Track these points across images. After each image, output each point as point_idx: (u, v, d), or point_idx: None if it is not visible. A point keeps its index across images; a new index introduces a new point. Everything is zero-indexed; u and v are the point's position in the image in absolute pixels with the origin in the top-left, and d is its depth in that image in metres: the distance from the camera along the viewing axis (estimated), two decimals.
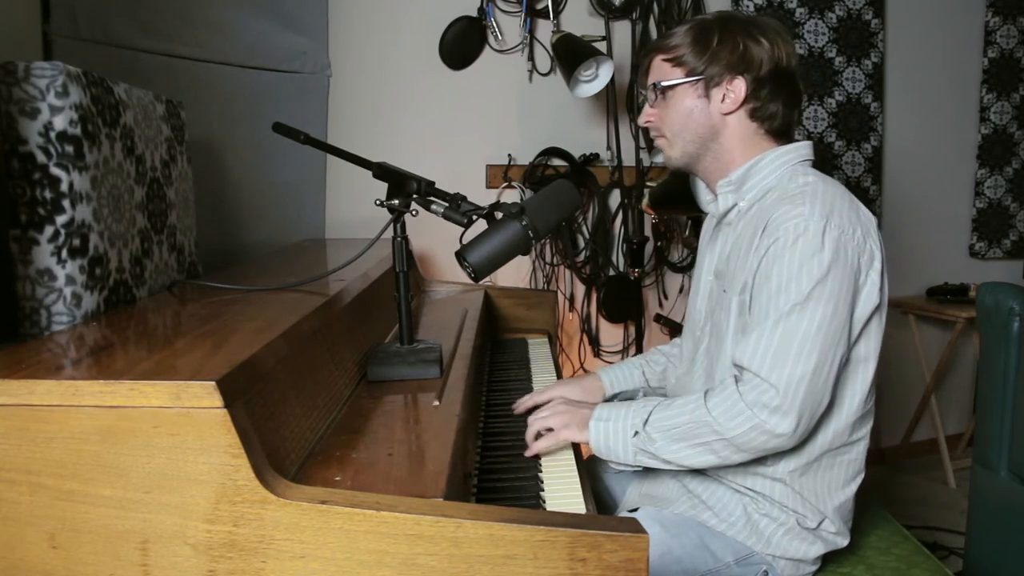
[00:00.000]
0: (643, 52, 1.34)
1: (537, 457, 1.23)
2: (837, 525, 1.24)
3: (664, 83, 1.28)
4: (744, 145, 1.28)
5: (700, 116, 1.27)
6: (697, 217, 2.55)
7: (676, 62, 1.27)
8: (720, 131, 1.27)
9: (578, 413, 1.24)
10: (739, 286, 1.22)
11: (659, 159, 2.52)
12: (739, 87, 1.24)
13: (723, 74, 1.24)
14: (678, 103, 1.28)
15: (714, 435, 1.13)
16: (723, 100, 1.25)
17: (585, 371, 2.63)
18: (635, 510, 1.28)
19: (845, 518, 1.26)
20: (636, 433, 1.18)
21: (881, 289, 1.18)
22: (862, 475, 1.26)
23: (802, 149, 1.27)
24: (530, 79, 2.48)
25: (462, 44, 2.39)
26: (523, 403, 1.41)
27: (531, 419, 1.26)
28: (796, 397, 1.10)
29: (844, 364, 1.17)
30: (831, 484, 1.22)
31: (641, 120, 1.35)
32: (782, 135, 1.29)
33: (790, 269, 1.12)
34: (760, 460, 1.18)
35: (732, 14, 1.31)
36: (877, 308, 1.18)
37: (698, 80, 1.25)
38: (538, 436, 1.24)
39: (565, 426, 1.23)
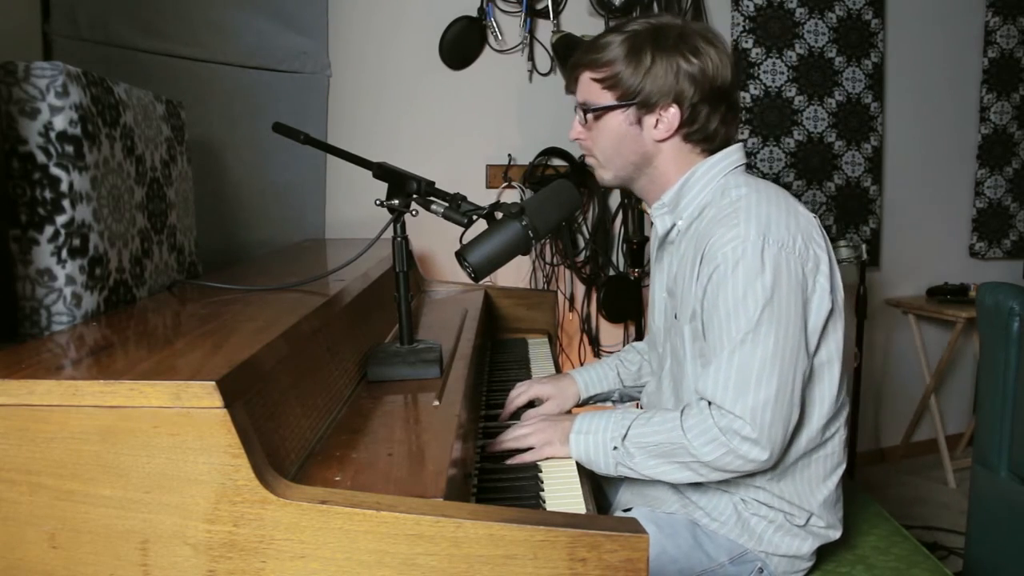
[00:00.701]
0: (571, 61, 1.29)
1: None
2: (826, 519, 1.23)
3: (594, 107, 1.24)
4: (677, 165, 1.25)
5: (632, 143, 1.23)
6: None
7: (606, 83, 1.22)
8: (654, 156, 1.24)
9: (559, 428, 1.22)
10: (688, 313, 1.21)
11: None
12: (672, 115, 1.20)
13: (655, 100, 1.19)
14: (608, 128, 1.24)
15: (690, 457, 1.12)
16: (656, 126, 1.21)
17: None
18: (628, 510, 1.28)
19: (833, 510, 1.25)
20: (615, 448, 1.17)
21: (832, 291, 1.16)
22: (843, 465, 1.25)
23: (732, 155, 1.24)
24: (530, 79, 2.48)
25: (462, 44, 2.39)
26: (507, 409, 1.41)
27: (511, 436, 1.23)
28: (764, 423, 1.09)
29: (809, 374, 1.16)
30: (811, 482, 1.22)
31: (571, 135, 1.31)
32: (718, 149, 1.25)
33: (735, 295, 1.11)
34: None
35: (665, 25, 1.22)
36: (831, 311, 1.16)
37: (629, 106, 1.21)
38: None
39: (547, 443, 1.21)
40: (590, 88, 1.25)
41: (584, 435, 1.20)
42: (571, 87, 1.30)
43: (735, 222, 1.13)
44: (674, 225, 1.27)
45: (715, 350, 1.13)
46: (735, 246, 1.11)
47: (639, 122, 1.23)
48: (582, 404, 1.52)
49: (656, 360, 1.38)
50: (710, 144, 1.24)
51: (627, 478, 1.35)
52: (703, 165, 1.23)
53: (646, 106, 1.21)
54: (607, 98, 1.23)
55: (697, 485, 1.24)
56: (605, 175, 1.31)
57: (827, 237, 1.20)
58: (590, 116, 1.25)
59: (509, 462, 1.19)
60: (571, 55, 2.26)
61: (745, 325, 1.10)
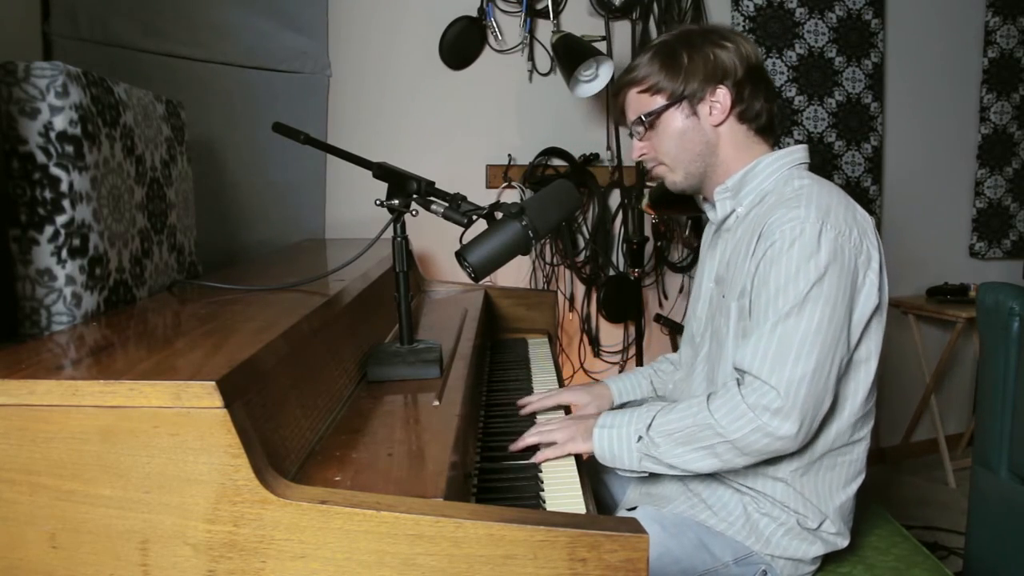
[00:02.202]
0: (612, 90, 1.35)
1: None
2: (838, 525, 1.23)
3: (649, 112, 1.28)
4: (738, 151, 1.29)
5: (694, 135, 1.28)
6: (697, 217, 2.55)
7: (653, 90, 1.28)
8: (716, 144, 1.28)
9: (582, 424, 1.23)
10: (738, 291, 1.22)
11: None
12: (723, 96, 1.25)
13: (704, 88, 1.25)
14: (668, 128, 1.28)
15: (717, 438, 1.13)
16: (711, 113, 1.26)
17: (585, 371, 2.63)
18: (633, 509, 1.28)
19: (846, 519, 1.26)
20: (640, 438, 1.18)
21: (880, 289, 1.18)
22: (863, 475, 1.26)
23: (797, 153, 1.28)
24: (530, 79, 2.48)
25: (462, 44, 2.39)
26: (531, 406, 1.40)
27: (534, 432, 1.24)
28: (797, 398, 1.09)
29: (846, 365, 1.16)
30: (832, 484, 1.22)
31: (634, 155, 1.35)
32: (768, 131, 1.30)
33: (787, 272, 1.13)
34: (763, 460, 1.18)
35: (688, 29, 1.31)
36: (877, 308, 1.18)
37: (682, 100, 1.26)
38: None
39: (571, 439, 1.21)
40: (640, 100, 1.30)
41: (608, 429, 1.20)
42: (620, 116, 1.36)
43: (796, 204, 1.16)
44: (733, 211, 1.30)
45: (758, 322, 1.14)
46: (794, 225, 1.14)
47: (695, 113, 1.27)
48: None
49: (690, 351, 1.39)
50: (759, 123, 1.28)
51: (636, 477, 1.35)
52: (768, 157, 1.27)
53: (696, 97, 1.26)
54: (659, 102, 1.28)
55: (707, 483, 1.24)
56: (676, 177, 1.33)
57: (880, 241, 1.21)
58: (647, 126, 1.30)
59: (534, 459, 1.19)
60: (571, 55, 2.28)
61: (793, 299, 1.11)
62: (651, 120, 1.29)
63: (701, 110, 1.27)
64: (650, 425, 1.18)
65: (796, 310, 1.11)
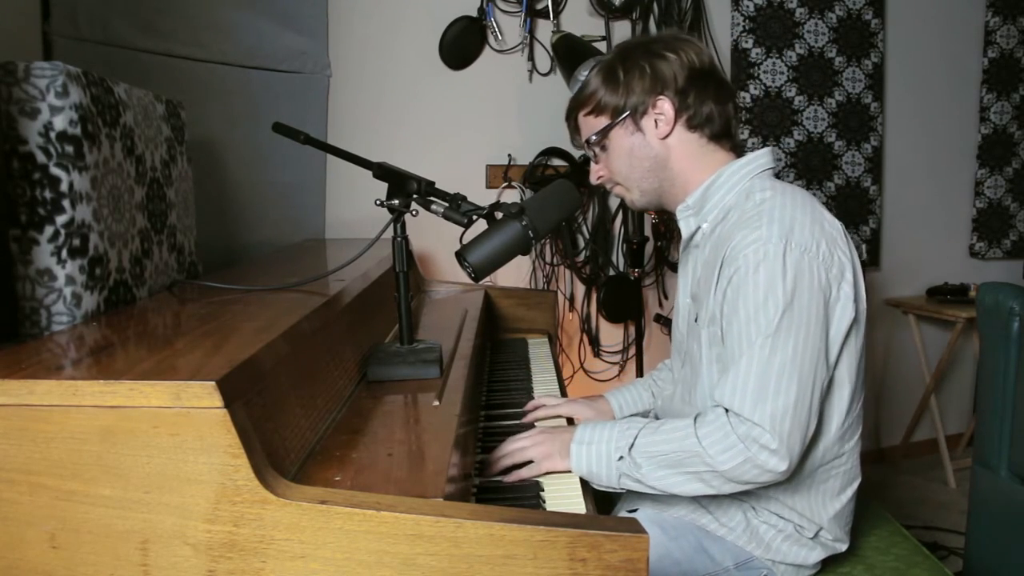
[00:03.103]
0: (565, 118, 1.36)
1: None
2: (835, 533, 1.23)
3: (595, 133, 1.27)
4: (694, 162, 1.25)
5: (642, 151, 1.25)
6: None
7: (597, 111, 1.27)
8: (667, 157, 1.25)
9: (558, 439, 1.18)
10: (707, 318, 1.19)
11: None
12: (665, 106, 1.22)
13: (644, 101, 1.23)
14: (617, 147, 1.27)
15: (705, 466, 1.08)
16: (656, 126, 1.24)
17: (585, 371, 2.63)
18: (634, 510, 1.28)
19: (843, 525, 1.25)
20: (621, 458, 1.13)
21: (856, 300, 1.14)
22: (858, 480, 1.24)
23: (760, 159, 1.24)
24: (530, 79, 2.48)
25: (462, 44, 2.39)
26: (536, 412, 1.39)
27: (507, 450, 1.19)
28: (783, 431, 1.05)
29: (828, 386, 1.14)
30: (825, 495, 1.21)
31: (592, 180, 1.34)
32: (725, 136, 1.26)
33: (755, 299, 1.09)
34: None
35: (629, 43, 1.30)
36: (854, 321, 1.14)
37: (624, 117, 1.24)
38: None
39: (547, 456, 1.16)
40: (586, 123, 1.30)
41: (586, 445, 1.15)
42: (575, 139, 1.35)
43: (758, 224, 1.12)
44: (699, 228, 1.26)
45: (733, 356, 1.10)
46: (756, 248, 1.10)
47: (639, 128, 1.25)
48: None
49: (679, 364, 1.36)
50: (713, 128, 1.24)
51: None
52: (728, 168, 1.23)
53: (638, 111, 1.24)
54: (602, 122, 1.27)
55: None
56: (633, 196, 1.31)
57: (852, 245, 1.18)
58: (597, 148, 1.29)
59: (507, 480, 1.15)
60: (571, 55, 2.28)
61: (765, 329, 1.07)
62: (600, 141, 1.27)
63: (646, 124, 1.24)
64: (632, 445, 1.13)
65: (770, 342, 1.07)
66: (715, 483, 1.09)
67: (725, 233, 1.18)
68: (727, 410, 1.09)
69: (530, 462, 1.17)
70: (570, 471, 1.16)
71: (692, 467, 1.09)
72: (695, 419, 1.11)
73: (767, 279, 1.08)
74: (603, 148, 1.28)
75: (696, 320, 1.24)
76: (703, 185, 1.24)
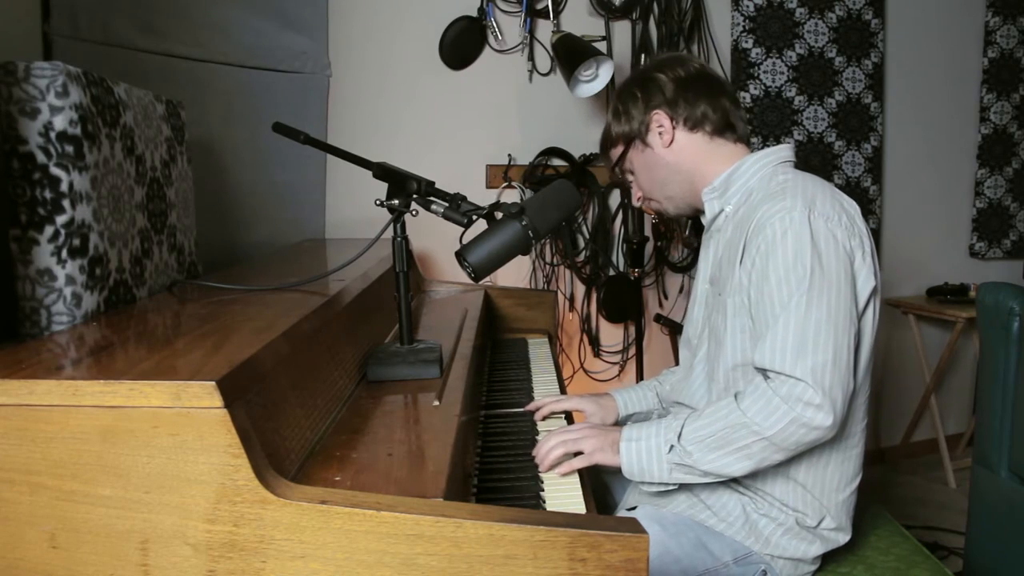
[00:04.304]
0: (600, 155, 1.52)
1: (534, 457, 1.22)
2: (838, 520, 1.24)
3: (616, 161, 1.40)
4: (705, 157, 1.33)
5: (656, 163, 1.35)
6: (697, 217, 2.54)
7: (613, 143, 1.40)
8: (678, 161, 1.34)
9: (608, 436, 1.20)
10: (732, 287, 1.22)
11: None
12: (660, 119, 1.33)
13: (643, 120, 1.34)
14: (638, 167, 1.38)
15: (752, 436, 1.10)
16: (660, 137, 1.34)
17: (585, 371, 2.63)
18: (633, 508, 1.28)
19: (847, 513, 1.26)
20: (671, 448, 1.15)
21: (875, 273, 1.19)
22: (860, 476, 1.27)
23: (781, 151, 1.31)
24: (530, 79, 2.48)
25: (462, 44, 2.39)
26: (544, 409, 1.41)
27: (558, 439, 1.20)
28: (825, 384, 1.08)
29: (857, 346, 1.16)
30: (837, 479, 1.23)
31: (633, 202, 1.45)
32: (728, 129, 1.33)
33: (785, 263, 1.13)
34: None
35: (624, 81, 1.43)
36: (874, 291, 1.19)
37: (633, 139, 1.36)
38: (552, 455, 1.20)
39: (599, 449, 1.18)
40: (612, 156, 1.43)
41: (635, 442, 1.18)
42: (612, 174, 1.48)
43: (782, 197, 1.18)
44: (722, 211, 1.32)
45: (768, 320, 1.14)
46: (782, 216, 1.15)
47: (648, 145, 1.35)
48: (621, 423, 1.51)
49: (688, 353, 1.39)
50: (714, 123, 1.32)
51: None
52: (751, 156, 1.31)
53: (642, 131, 1.35)
54: (620, 150, 1.40)
55: (706, 484, 1.24)
56: (666, 207, 1.41)
57: (868, 227, 1.22)
58: (625, 173, 1.42)
59: (559, 471, 1.17)
60: (571, 55, 2.28)
61: (798, 289, 1.11)
62: (622, 167, 1.40)
63: (652, 140, 1.34)
64: (680, 434, 1.15)
65: (804, 299, 1.11)
66: (765, 453, 1.12)
67: (748, 211, 1.23)
68: (767, 377, 1.12)
69: (581, 453, 1.19)
70: (619, 466, 1.18)
71: (741, 441, 1.11)
72: (736, 396, 1.14)
73: (795, 242, 1.13)
74: (630, 172, 1.40)
75: (720, 294, 1.27)
76: (726, 172, 1.31)
